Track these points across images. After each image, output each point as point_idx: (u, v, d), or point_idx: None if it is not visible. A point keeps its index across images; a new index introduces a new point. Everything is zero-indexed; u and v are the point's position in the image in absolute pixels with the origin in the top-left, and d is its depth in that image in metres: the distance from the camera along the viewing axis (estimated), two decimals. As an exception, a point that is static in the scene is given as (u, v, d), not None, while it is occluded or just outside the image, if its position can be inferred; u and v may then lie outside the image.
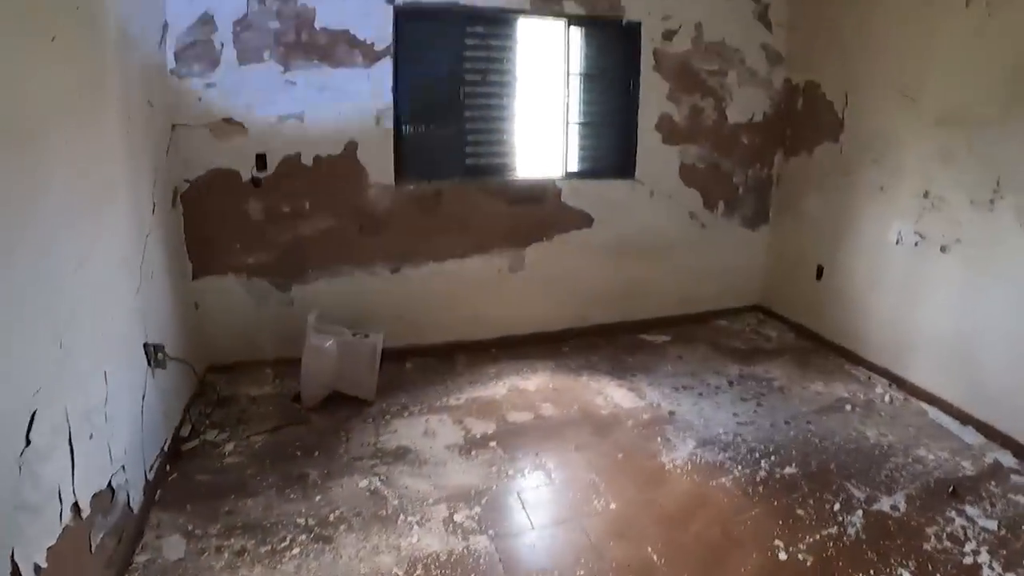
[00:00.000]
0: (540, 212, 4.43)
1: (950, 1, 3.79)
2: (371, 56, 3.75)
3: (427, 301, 4.22)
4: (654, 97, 4.62)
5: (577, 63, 4.42)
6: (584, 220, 4.60)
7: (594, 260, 4.66)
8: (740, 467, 3.21)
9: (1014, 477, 3.30)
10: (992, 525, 2.89)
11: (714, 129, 4.90)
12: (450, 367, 4.18)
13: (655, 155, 4.72)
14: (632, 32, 4.47)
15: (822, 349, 4.80)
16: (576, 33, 4.38)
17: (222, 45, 3.52)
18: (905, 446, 3.52)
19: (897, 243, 4.25)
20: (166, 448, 2.99)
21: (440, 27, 3.96)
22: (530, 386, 3.97)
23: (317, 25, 3.61)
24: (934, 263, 4.04)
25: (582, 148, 4.59)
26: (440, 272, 4.22)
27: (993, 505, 3.05)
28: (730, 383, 4.17)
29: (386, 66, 3.79)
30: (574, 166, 4.57)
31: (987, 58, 3.69)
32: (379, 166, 3.91)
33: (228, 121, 3.61)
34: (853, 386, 4.21)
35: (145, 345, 2.75)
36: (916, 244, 4.12)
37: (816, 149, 4.88)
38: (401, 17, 3.79)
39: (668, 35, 4.56)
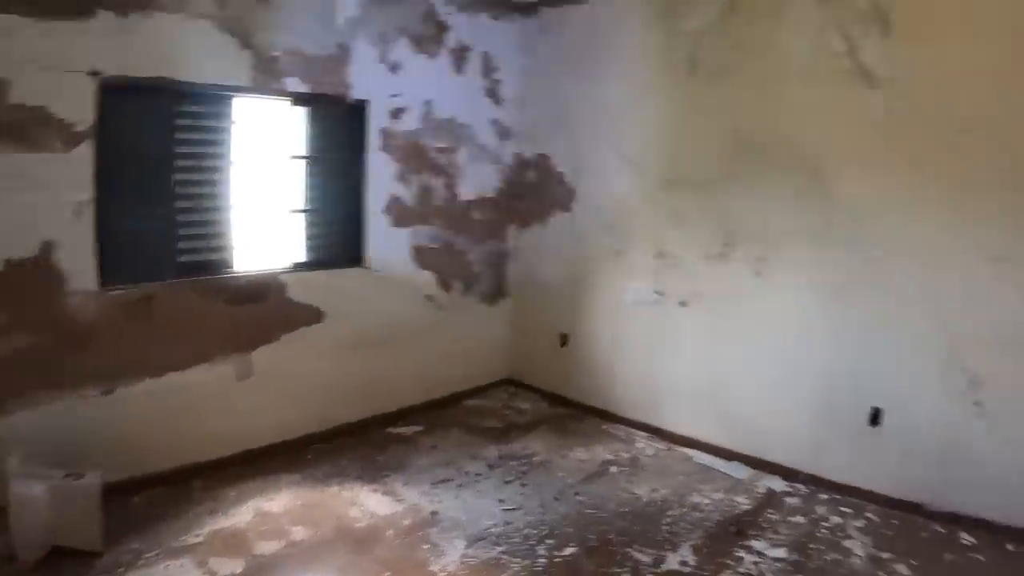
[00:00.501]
0: (264, 310, 4.61)
1: (673, 71, 4.89)
2: (71, 138, 3.68)
3: (149, 423, 4.16)
4: (382, 178, 5.15)
5: (302, 145, 4.77)
6: (313, 315, 4.87)
7: (330, 357, 4.95)
8: (518, 559, 3.57)
9: (788, 500, 4.14)
10: (782, 553, 3.63)
11: (446, 208, 5.59)
12: (185, 495, 4.16)
13: (386, 239, 5.23)
14: (359, 111, 4.97)
15: (577, 414, 5.58)
16: (300, 113, 4.72)
17: None
18: (679, 496, 4.18)
19: (636, 303, 5.16)
20: None
21: (149, 105, 4.01)
22: (276, 507, 4.09)
23: (12, 100, 3.48)
24: (675, 316, 5.00)
25: (309, 237, 4.90)
26: (160, 388, 4.19)
27: (777, 533, 3.81)
28: (490, 467, 4.66)
29: (87, 150, 3.75)
30: (300, 257, 4.86)
31: (707, 124, 4.79)
32: (80, 269, 3.82)
33: None
34: (615, 445, 4.96)
35: None
36: (656, 301, 5.05)
37: (550, 220, 5.83)
38: (106, 93, 3.76)
39: (396, 113, 5.16)
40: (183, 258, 4.27)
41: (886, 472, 4.28)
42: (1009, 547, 3.81)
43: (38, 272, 3.69)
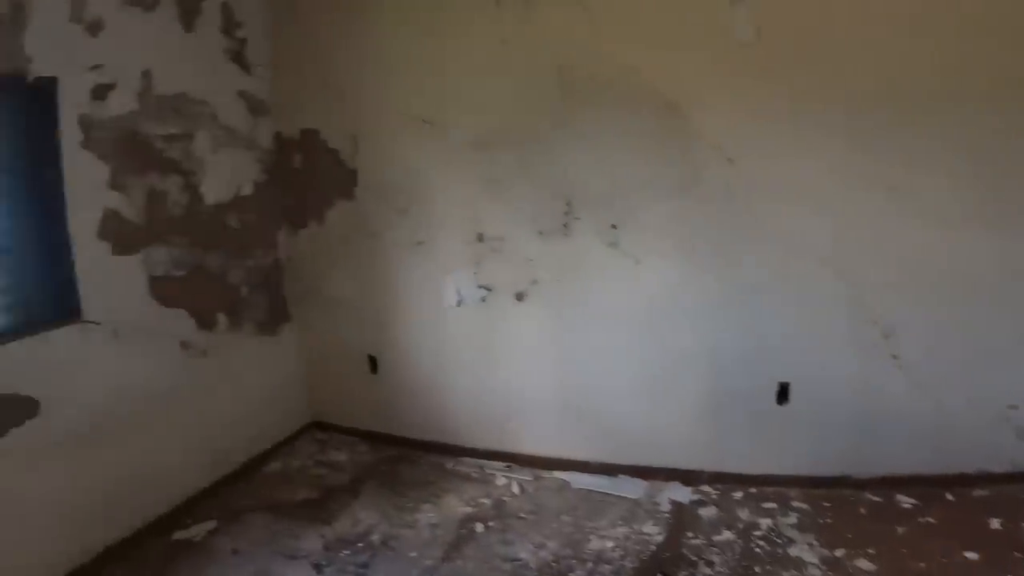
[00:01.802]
0: None
1: (473, 4, 4.34)
2: None
3: None
4: (89, 188, 3.99)
5: None
6: (22, 408, 3.73)
7: (63, 460, 3.89)
8: None
9: (703, 512, 3.94)
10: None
11: (188, 217, 4.59)
12: None
13: (107, 274, 4.17)
14: (44, 95, 3.82)
15: (409, 453, 5.02)
16: None
17: None
18: (575, 547, 3.73)
19: (459, 304, 4.70)
20: None
21: None
22: None
23: None
24: (512, 313, 4.57)
25: None
26: None
27: (711, 564, 3.51)
28: (317, 567, 3.84)
29: None
30: None
31: (522, 63, 4.29)
32: None
33: None
34: (469, 490, 4.43)
35: None
36: (483, 299, 4.62)
37: (328, 213, 5.14)
38: None
39: (100, 92, 4.03)
40: None
41: (803, 451, 4.22)
42: (949, 496, 3.93)
43: None
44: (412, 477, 4.69)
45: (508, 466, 4.65)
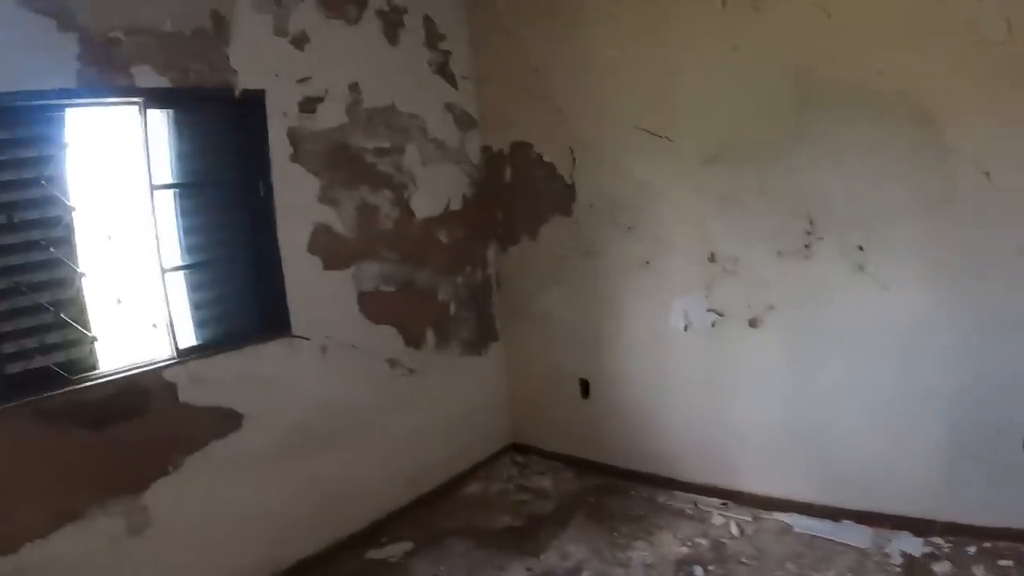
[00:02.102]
0: (148, 428, 3.57)
1: (696, 7, 4.04)
2: None
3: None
4: (300, 202, 4.12)
5: (168, 168, 3.75)
6: (226, 421, 3.83)
7: (262, 474, 3.97)
8: None
9: (936, 566, 3.51)
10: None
11: (398, 232, 4.65)
12: None
13: (317, 289, 4.22)
14: (252, 107, 3.93)
15: (618, 483, 4.71)
16: (161, 119, 3.72)
17: None
18: None
19: (686, 328, 4.35)
20: None
21: None
22: None
23: None
24: (744, 342, 4.19)
25: (198, 306, 3.89)
26: (15, 570, 3.18)
27: None
28: None
29: None
30: (190, 338, 3.84)
31: (755, 67, 3.94)
32: None
33: None
34: (685, 528, 4.10)
35: None
36: (713, 324, 4.26)
37: (543, 230, 4.94)
38: None
39: (309, 105, 4.14)
40: (12, 368, 3.24)
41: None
42: None
43: None
44: (622, 510, 4.40)
45: (724, 503, 4.30)
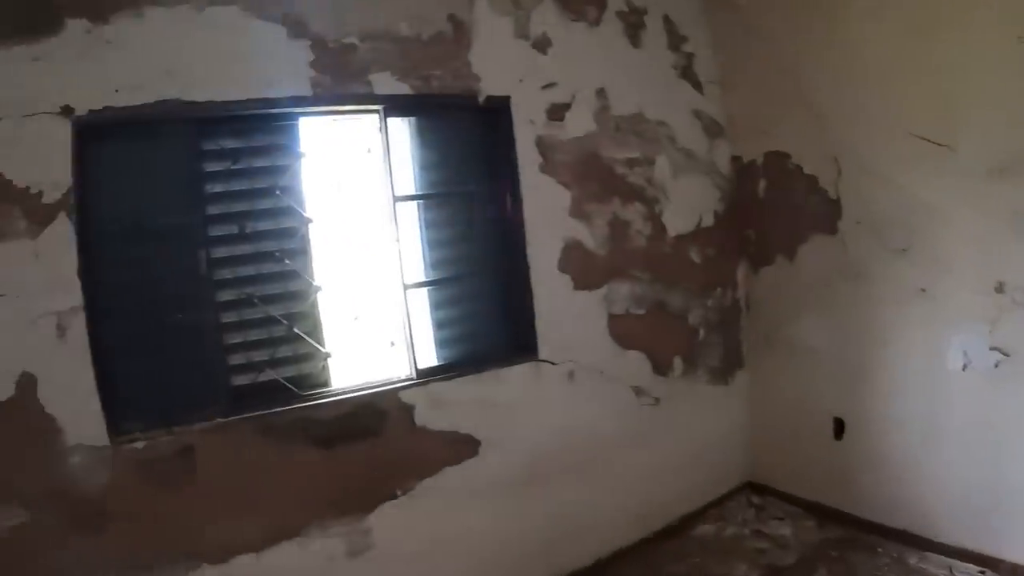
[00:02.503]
0: (381, 450, 3.60)
1: None
2: (39, 215, 2.93)
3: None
4: (550, 216, 4.00)
5: (410, 178, 3.73)
6: (462, 447, 3.80)
7: (492, 504, 3.87)
8: None
9: None
10: None
11: (650, 250, 4.40)
12: None
13: (566, 310, 4.07)
14: (497, 115, 3.86)
15: (865, 539, 4.23)
16: (402, 128, 3.71)
17: None
18: None
19: (964, 368, 3.77)
20: None
21: (157, 147, 3.15)
22: None
23: None
24: None
25: (440, 324, 3.83)
26: None
27: None
28: None
29: (64, 230, 2.96)
30: (430, 359, 3.80)
31: None
32: (77, 412, 3.04)
33: None
34: None
35: None
36: (996, 365, 3.66)
37: (801, 249, 4.49)
38: (86, 139, 3.00)
39: (557, 112, 3.99)
40: (240, 380, 3.32)
41: None
42: None
43: (17, 420, 3.01)
44: (869, 570, 3.94)
45: (982, 572, 3.74)
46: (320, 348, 3.47)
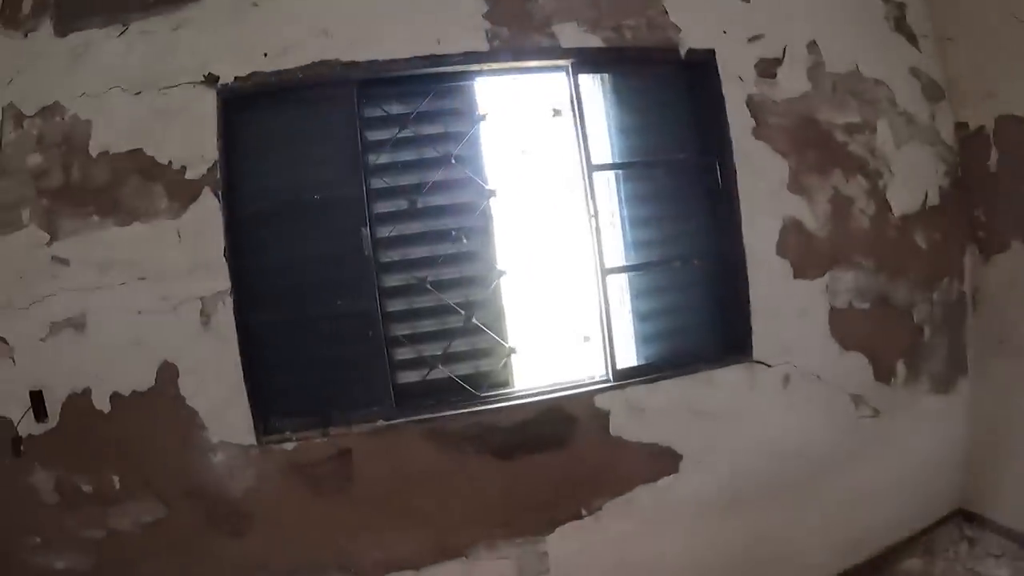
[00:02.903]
0: (568, 463, 3.30)
1: None
2: (182, 193, 2.92)
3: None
4: (766, 190, 3.48)
5: (605, 145, 3.35)
6: (661, 462, 3.41)
7: (685, 528, 3.49)
8: None
9: None
10: None
11: (873, 232, 3.75)
12: None
13: (784, 303, 3.52)
14: (702, 71, 3.42)
15: None
16: (594, 85, 3.35)
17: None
18: None
19: None
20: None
21: (312, 115, 3.06)
22: None
23: (93, 150, 2.92)
24: None
25: (640, 317, 3.44)
26: None
27: None
28: None
29: (210, 208, 2.93)
30: (628, 357, 3.42)
31: None
32: (221, 406, 3.01)
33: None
34: None
35: None
36: None
37: None
38: (233, 109, 2.97)
39: (767, 69, 3.49)
40: (406, 377, 3.20)
41: None
42: None
43: (158, 411, 3.01)
44: None
45: None
46: (502, 342, 3.26)
